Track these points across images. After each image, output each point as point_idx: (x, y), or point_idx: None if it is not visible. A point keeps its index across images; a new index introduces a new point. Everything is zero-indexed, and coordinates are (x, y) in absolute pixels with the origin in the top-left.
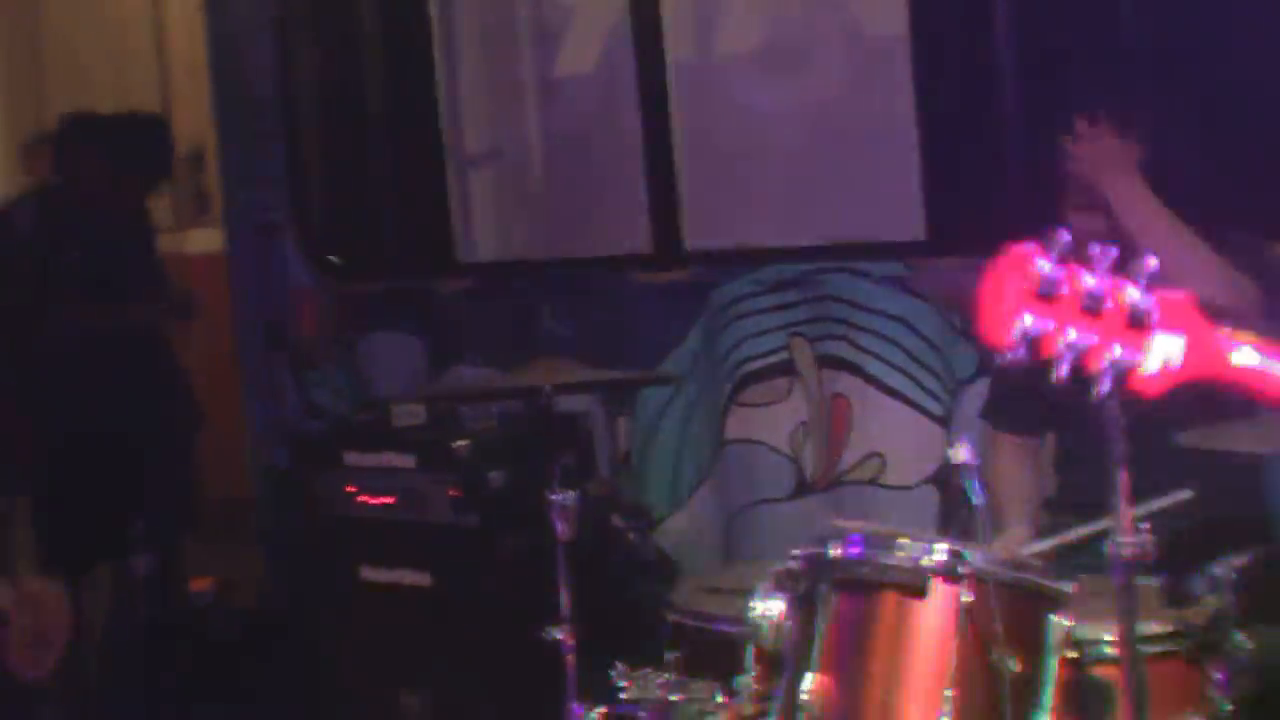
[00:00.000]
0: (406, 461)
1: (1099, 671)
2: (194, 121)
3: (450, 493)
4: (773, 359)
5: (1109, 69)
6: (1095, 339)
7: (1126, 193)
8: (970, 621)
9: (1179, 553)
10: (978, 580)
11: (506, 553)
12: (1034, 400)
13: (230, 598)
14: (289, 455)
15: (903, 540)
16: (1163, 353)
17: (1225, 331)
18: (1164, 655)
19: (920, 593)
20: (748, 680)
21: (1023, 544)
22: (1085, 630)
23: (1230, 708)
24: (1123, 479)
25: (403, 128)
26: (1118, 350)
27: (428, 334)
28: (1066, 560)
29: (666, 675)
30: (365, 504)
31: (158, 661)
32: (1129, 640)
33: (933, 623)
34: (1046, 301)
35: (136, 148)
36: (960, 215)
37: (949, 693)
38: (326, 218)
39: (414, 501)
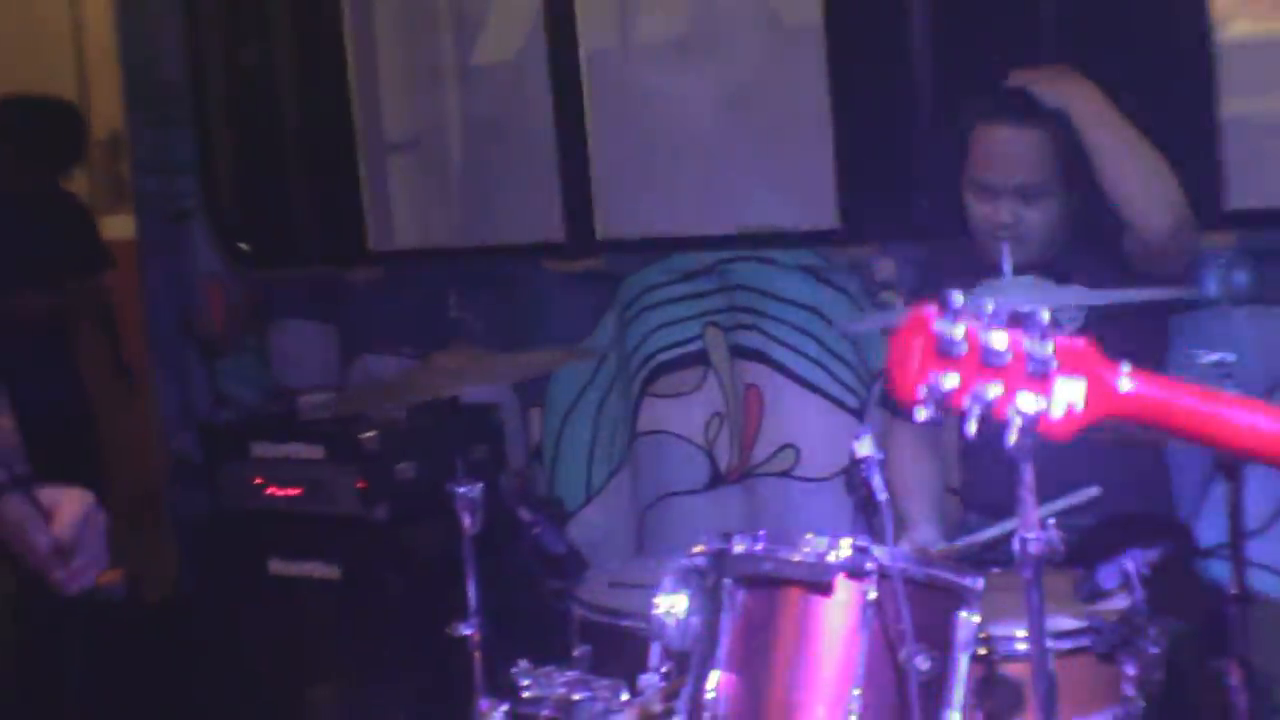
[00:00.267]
0: (314, 453)
1: (1010, 669)
2: (112, 108)
3: (358, 485)
4: (685, 349)
5: (1022, 58)
6: (1000, 391)
7: (1089, 105)
8: (877, 619)
9: (1089, 548)
10: (884, 577)
11: (415, 546)
12: None
13: (140, 590)
14: (197, 445)
15: (809, 536)
16: (1066, 398)
17: (1124, 370)
18: (1075, 651)
19: (825, 589)
20: (652, 678)
21: (930, 543)
22: (996, 627)
23: (1142, 703)
24: (1028, 475)
25: (315, 115)
26: (1022, 400)
27: (339, 323)
28: (976, 557)
29: (570, 673)
30: (273, 496)
31: (64, 655)
32: (1038, 637)
33: (838, 620)
34: (949, 360)
35: (43, 133)
36: (873, 204)
37: (856, 691)
38: (237, 205)
39: (322, 493)
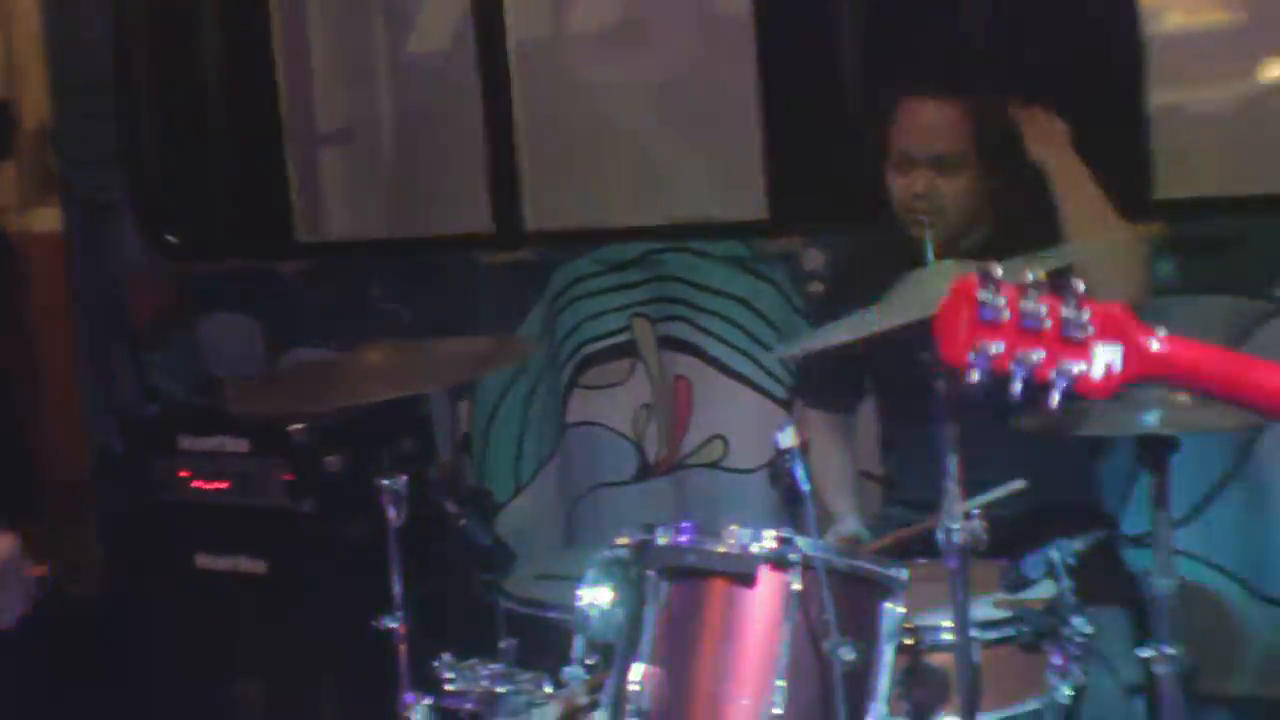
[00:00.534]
0: (240, 446)
1: (934, 659)
2: (41, 98)
3: (285, 478)
4: (614, 340)
5: (949, 48)
6: (1042, 355)
7: (1062, 163)
8: (801, 610)
9: (1015, 538)
10: (808, 568)
11: (343, 539)
12: (843, 376)
13: (67, 584)
14: (123, 439)
15: (733, 527)
16: (1104, 361)
17: (1159, 333)
18: (1000, 641)
19: (749, 581)
20: (577, 670)
21: (847, 540)
22: (921, 617)
23: (1068, 693)
24: (954, 464)
25: (243, 107)
26: (1063, 363)
27: (266, 315)
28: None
29: (494, 666)
30: (199, 489)
31: None
32: (962, 627)
33: (762, 611)
34: (992, 327)
35: None
36: (801, 195)
37: (780, 682)
38: (164, 198)
39: (248, 487)
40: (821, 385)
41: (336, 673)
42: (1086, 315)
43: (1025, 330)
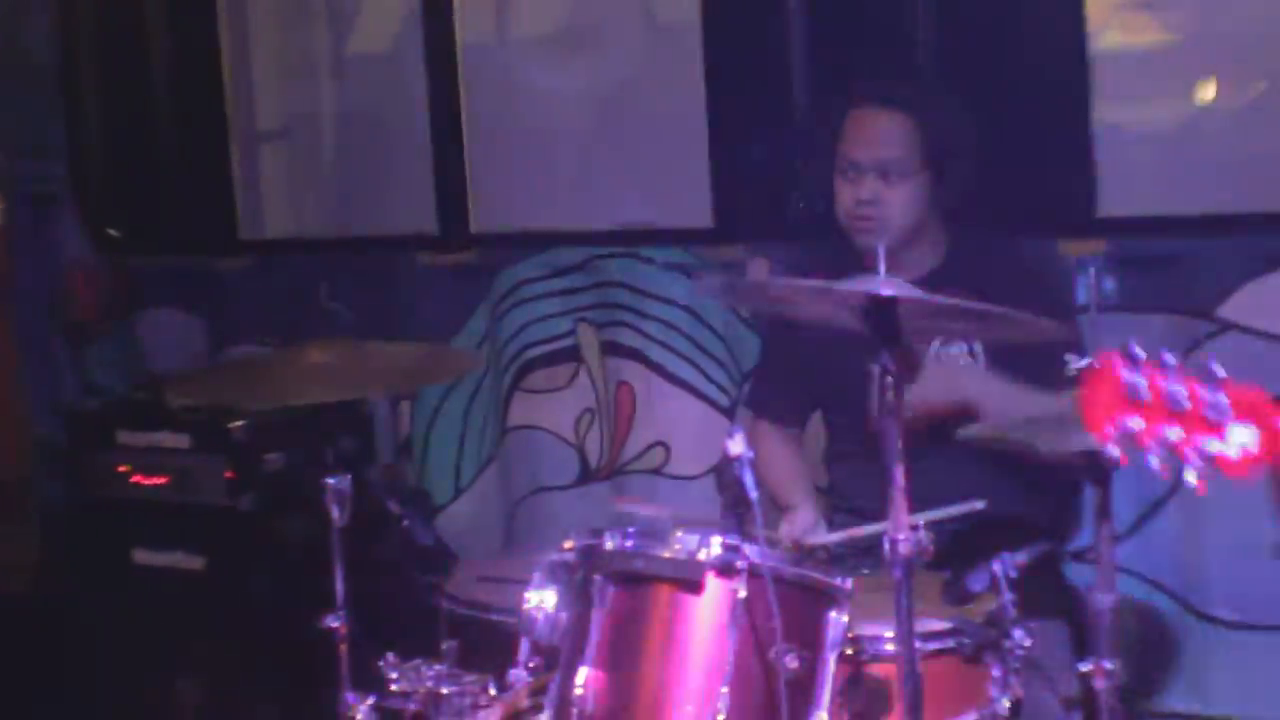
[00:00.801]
0: (181, 442)
1: (876, 669)
2: None
3: (225, 475)
4: (557, 345)
5: (899, 62)
6: (1180, 434)
7: (981, 394)
8: (746, 617)
9: (959, 551)
10: (754, 575)
11: (283, 537)
12: (796, 392)
13: (4, 581)
14: (63, 432)
15: (679, 533)
16: (1239, 442)
17: None
18: (942, 653)
19: (695, 587)
20: (521, 673)
21: (811, 527)
22: (863, 628)
23: (1006, 705)
24: (899, 477)
25: (188, 102)
26: (1200, 442)
27: (208, 312)
28: (844, 557)
29: (438, 667)
30: (138, 484)
31: None
32: (906, 638)
33: (708, 618)
34: (1135, 405)
35: None
36: (746, 204)
37: (724, 689)
38: (107, 191)
39: (188, 483)
40: (774, 399)
41: (275, 671)
42: (1224, 398)
43: (1165, 409)
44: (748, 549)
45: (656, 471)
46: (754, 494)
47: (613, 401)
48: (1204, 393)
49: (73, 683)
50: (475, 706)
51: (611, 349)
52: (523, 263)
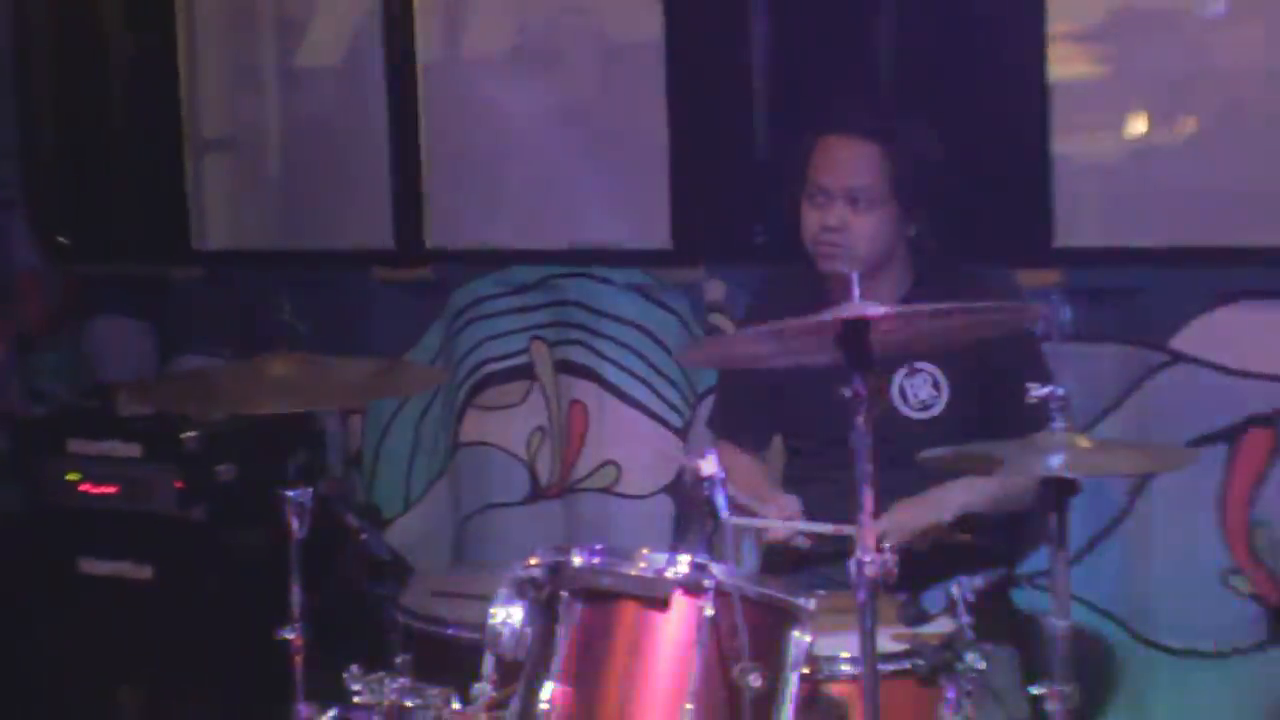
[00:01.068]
0: (132, 451)
1: (833, 689)
2: None
3: (176, 484)
4: (511, 362)
5: (861, 85)
6: None
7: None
8: (713, 635)
9: (916, 573)
10: (720, 594)
11: (233, 548)
12: (757, 413)
13: None
14: (10, 440)
15: (644, 551)
16: None
17: None
18: (897, 674)
19: (662, 604)
20: (485, 687)
21: (797, 509)
22: (819, 647)
23: None
24: (868, 500)
25: (143, 110)
26: None
27: (158, 321)
28: (803, 577)
29: (401, 679)
30: (87, 493)
31: None
32: (869, 659)
33: (674, 635)
34: None
35: None
36: (705, 226)
37: (689, 706)
38: (59, 199)
39: (138, 492)
40: (735, 421)
41: (222, 682)
42: None
43: None
44: (715, 568)
45: (607, 490)
46: (725, 514)
47: (565, 419)
48: None
49: (16, 689)
50: (439, 719)
51: (565, 367)
52: (479, 280)
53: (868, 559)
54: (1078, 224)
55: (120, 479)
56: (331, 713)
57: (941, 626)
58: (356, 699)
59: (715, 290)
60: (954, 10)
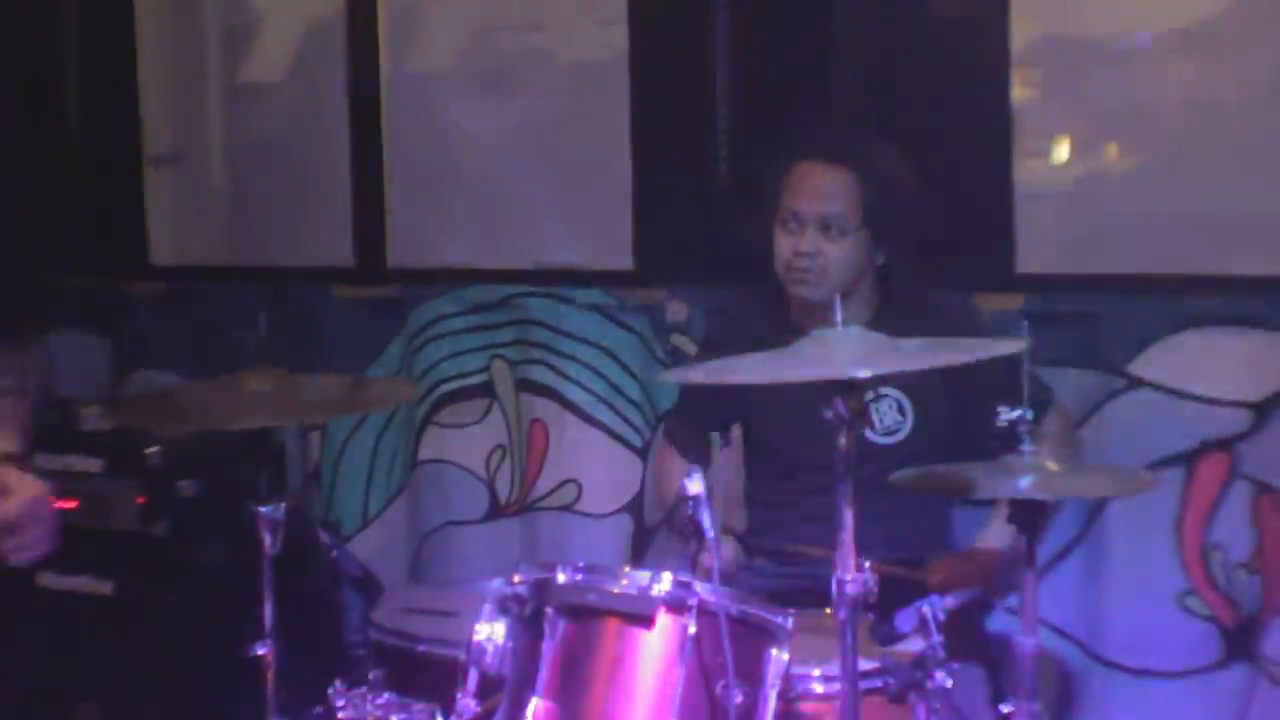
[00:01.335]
0: (93, 465)
1: (805, 708)
2: None
3: (138, 500)
4: (471, 380)
5: (824, 109)
6: None
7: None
8: (696, 652)
9: (887, 591)
10: (704, 611)
11: (195, 564)
12: (711, 430)
13: None
14: None
15: (626, 568)
16: None
17: None
18: (869, 693)
19: (647, 621)
20: (469, 702)
21: (733, 557)
22: (792, 666)
23: None
24: (848, 520)
25: (101, 125)
26: None
27: (115, 336)
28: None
29: (386, 695)
30: None
31: None
32: (850, 679)
33: (658, 652)
34: None
35: None
36: (667, 247)
37: None
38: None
39: (99, 507)
40: (688, 430)
41: (184, 699)
42: None
43: None
44: (699, 586)
45: (567, 509)
46: (710, 533)
47: (525, 438)
48: None
49: None
50: None
51: (526, 386)
52: (440, 298)
53: (848, 578)
54: (1039, 251)
55: (81, 493)
56: None
57: (912, 645)
58: (341, 714)
59: (677, 311)
60: (918, 35)
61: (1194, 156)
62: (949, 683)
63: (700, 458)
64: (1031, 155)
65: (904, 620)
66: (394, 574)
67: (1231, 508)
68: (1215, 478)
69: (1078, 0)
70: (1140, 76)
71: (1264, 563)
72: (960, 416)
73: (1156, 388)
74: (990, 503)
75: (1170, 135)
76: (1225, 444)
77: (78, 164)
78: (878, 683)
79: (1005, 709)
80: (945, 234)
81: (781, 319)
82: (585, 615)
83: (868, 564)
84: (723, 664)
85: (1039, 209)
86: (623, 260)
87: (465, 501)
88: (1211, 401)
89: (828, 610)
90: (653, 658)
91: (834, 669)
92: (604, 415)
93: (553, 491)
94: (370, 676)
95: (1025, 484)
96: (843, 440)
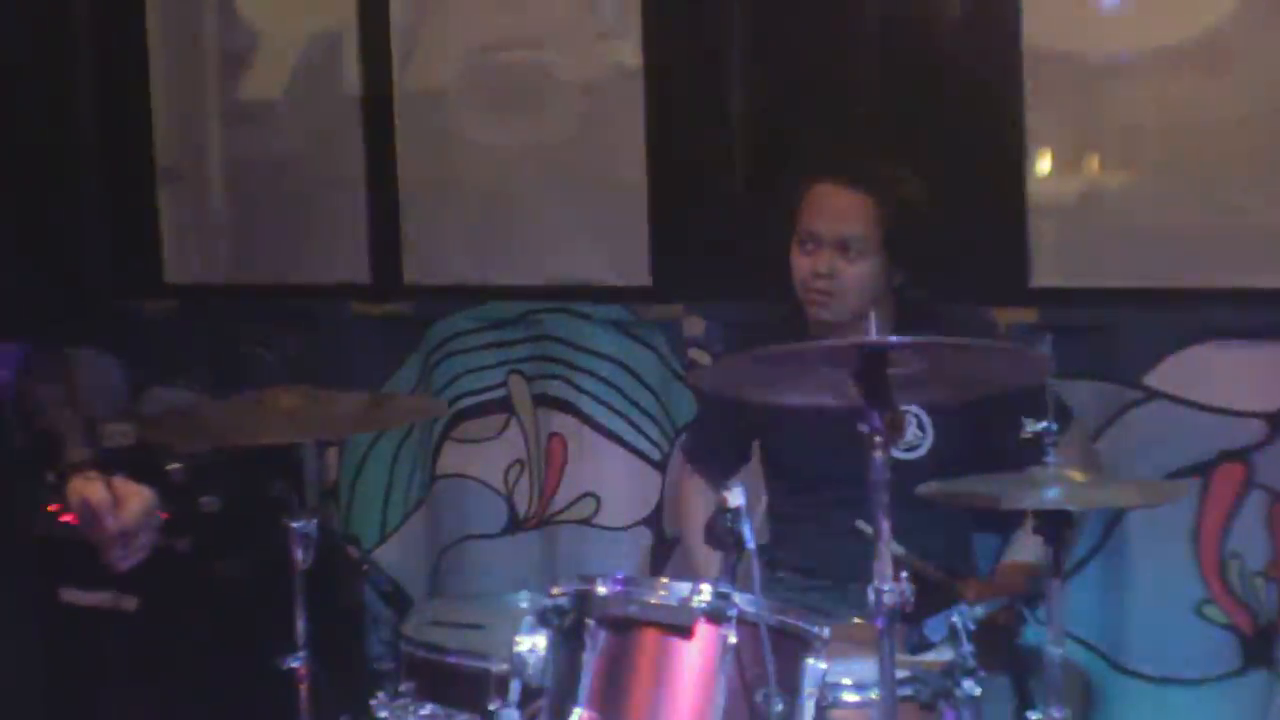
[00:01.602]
0: None
1: (837, 715)
2: None
3: (161, 515)
4: (489, 395)
5: (839, 126)
6: None
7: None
8: (735, 662)
9: (919, 601)
10: (743, 622)
11: (218, 579)
12: (730, 448)
13: None
14: None
15: (665, 580)
16: None
17: None
18: (901, 700)
19: (686, 633)
20: (513, 712)
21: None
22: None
23: None
24: (885, 529)
25: (114, 142)
26: None
27: (129, 353)
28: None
29: (430, 705)
30: (68, 524)
31: None
32: (889, 686)
33: (698, 663)
34: None
35: None
36: (684, 263)
37: None
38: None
39: None
40: (707, 448)
41: (209, 713)
42: None
43: None
44: (738, 597)
45: (586, 522)
46: (751, 544)
47: (544, 452)
48: None
49: None
50: None
51: (544, 401)
52: (457, 315)
53: (886, 587)
54: (1052, 264)
55: None
56: None
57: (942, 654)
58: None
59: (694, 326)
60: (933, 50)
61: (1208, 169)
62: (977, 690)
63: (723, 474)
64: (1044, 169)
65: (934, 629)
66: (413, 588)
67: (1248, 517)
68: (1231, 488)
69: (1091, 16)
70: (1153, 91)
71: None
72: (980, 432)
73: (1172, 399)
74: (1004, 522)
75: (1184, 149)
76: (1241, 454)
77: (92, 182)
78: (909, 690)
79: (1033, 717)
80: (959, 248)
81: (799, 337)
82: (626, 626)
83: (903, 552)
84: (761, 674)
85: (1052, 222)
86: (640, 276)
87: (484, 515)
88: (1227, 412)
89: (857, 619)
90: (692, 668)
91: (865, 676)
92: (621, 429)
93: (571, 505)
94: (401, 688)
95: (1052, 495)
96: (878, 454)
